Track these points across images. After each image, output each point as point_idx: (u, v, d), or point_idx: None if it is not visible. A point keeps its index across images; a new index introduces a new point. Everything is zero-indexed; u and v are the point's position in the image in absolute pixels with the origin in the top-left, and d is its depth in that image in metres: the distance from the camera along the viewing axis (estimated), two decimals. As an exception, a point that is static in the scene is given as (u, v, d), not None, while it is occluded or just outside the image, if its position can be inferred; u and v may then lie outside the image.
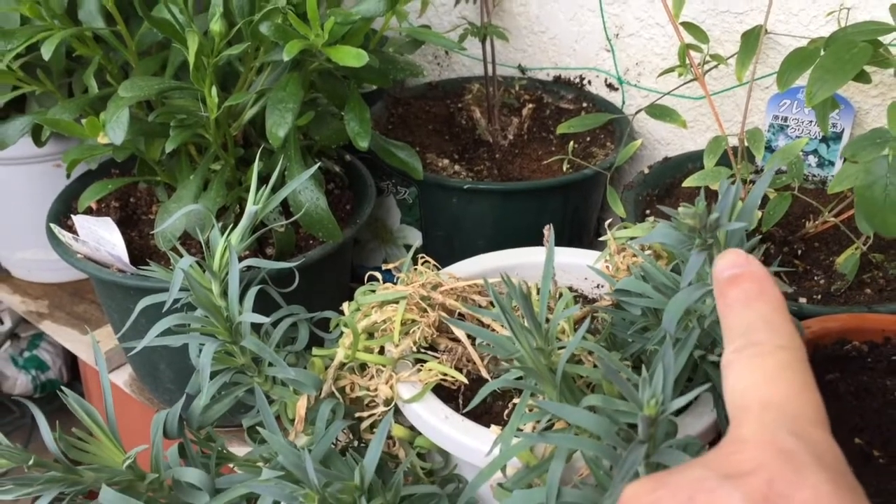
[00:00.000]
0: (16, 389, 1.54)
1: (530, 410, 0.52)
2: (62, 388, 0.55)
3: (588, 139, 1.02)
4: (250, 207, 0.61)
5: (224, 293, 0.62)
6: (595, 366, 0.55)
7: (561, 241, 0.64)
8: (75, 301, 1.08)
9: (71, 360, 1.60)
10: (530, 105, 1.07)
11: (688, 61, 0.86)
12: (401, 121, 1.07)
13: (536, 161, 1.01)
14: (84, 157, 0.72)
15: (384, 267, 0.70)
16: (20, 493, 0.47)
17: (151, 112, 0.75)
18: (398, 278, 0.67)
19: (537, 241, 0.76)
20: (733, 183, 0.66)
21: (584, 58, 1.08)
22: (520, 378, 0.51)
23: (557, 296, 0.65)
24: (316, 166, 0.66)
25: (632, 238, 0.65)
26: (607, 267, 0.64)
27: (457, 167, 0.98)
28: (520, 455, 0.54)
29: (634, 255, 0.64)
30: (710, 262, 0.48)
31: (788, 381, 0.30)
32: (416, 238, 0.99)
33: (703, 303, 0.51)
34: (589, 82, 1.09)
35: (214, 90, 0.64)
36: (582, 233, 1.01)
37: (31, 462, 0.45)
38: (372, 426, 0.66)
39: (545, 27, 1.10)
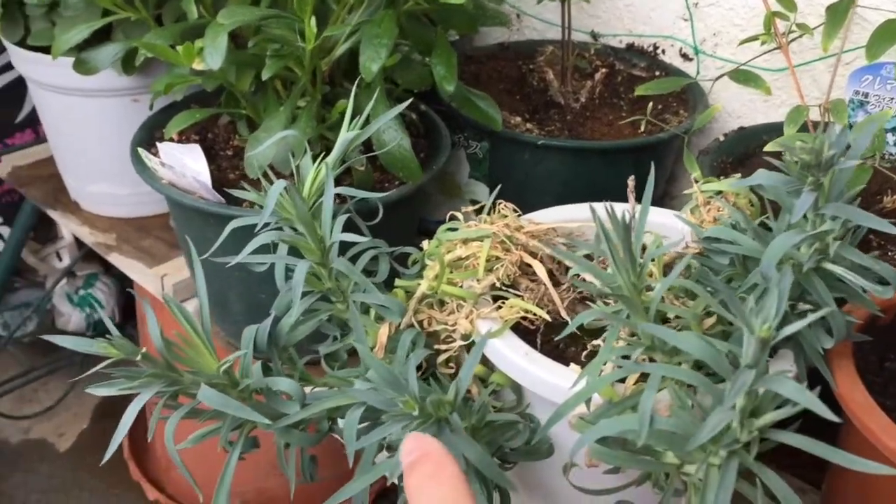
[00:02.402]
0: (69, 326, 1.57)
1: (621, 344, 0.53)
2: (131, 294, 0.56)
3: (660, 106, 1.02)
4: (345, 135, 0.62)
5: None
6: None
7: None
8: (142, 236, 1.10)
9: (124, 302, 1.64)
10: (603, 70, 1.06)
11: (773, 30, 0.85)
12: (473, 78, 1.07)
13: (607, 126, 1.01)
14: (178, 83, 0.73)
15: (464, 210, 0.71)
16: (125, 386, 0.48)
17: (239, 46, 0.76)
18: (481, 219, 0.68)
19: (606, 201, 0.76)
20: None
21: (659, 26, 1.08)
22: (617, 312, 0.51)
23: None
24: (406, 103, 0.67)
25: (718, 192, 0.66)
26: (692, 218, 0.64)
27: (528, 125, 0.98)
28: (602, 391, 0.54)
29: (719, 209, 0.64)
30: (817, 204, 0.48)
31: None
32: (483, 193, 0.99)
33: (797, 249, 0.52)
34: (663, 51, 1.09)
35: (314, 20, 0.65)
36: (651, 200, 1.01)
37: (140, 355, 0.46)
38: (447, 361, 0.67)
39: (622, -7, 1.09)
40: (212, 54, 0.67)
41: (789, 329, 0.39)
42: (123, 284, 1.65)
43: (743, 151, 0.91)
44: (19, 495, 1.50)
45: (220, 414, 0.53)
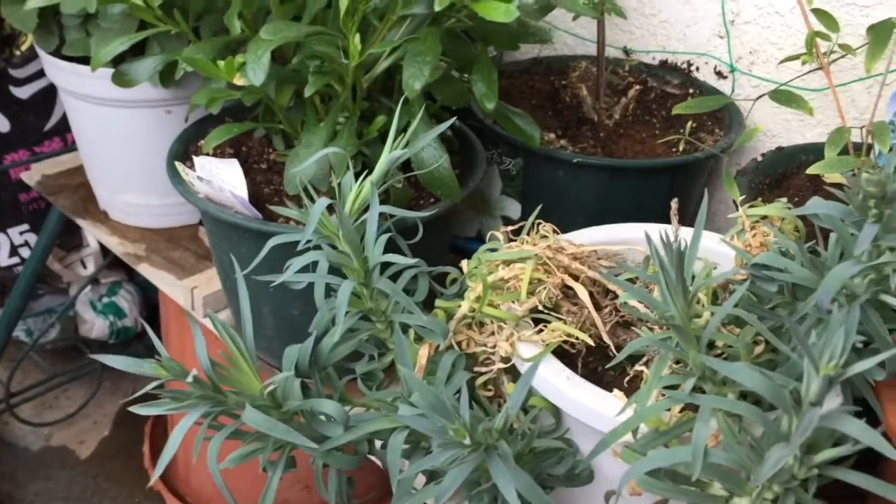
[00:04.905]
0: (92, 333, 1.58)
1: (672, 372, 0.52)
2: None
3: (695, 125, 1.01)
4: (390, 154, 0.61)
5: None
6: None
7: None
8: (171, 246, 1.10)
9: (147, 311, 1.64)
10: (637, 87, 1.06)
11: (814, 49, 0.84)
12: (504, 94, 1.06)
13: (640, 143, 1.00)
14: (219, 98, 0.73)
15: (502, 230, 0.71)
16: (171, 407, 0.48)
17: (277, 62, 0.76)
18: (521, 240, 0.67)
19: (639, 222, 0.76)
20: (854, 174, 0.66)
21: (694, 43, 1.07)
22: (665, 339, 0.51)
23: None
24: (449, 122, 0.66)
25: (763, 217, 0.65)
26: (738, 242, 0.64)
27: (562, 142, 0.97)
28: (649, 420, 0.54)
29: (766, 234, 0.64)
30: (876, 235, 0.47)
31: None
32: (515, 210, 0.99)
33: (851, 280, 0.51)
34: (697, 69, 1.08)
35: (358, 38, 0.65)
36: (682, 220, 1.00)
37: (191, 378, 0.46)
38: (485, 383, 0.66)
39: (657, 10, 1.09)
40: (254, 70, 0.66)
41: (857, 367, 0.38)
42: (146, 293, 1.65)
43: (781, 172, 0.90)
44: (40, 502, 1.50)
45: (263, 436, 0.52)
